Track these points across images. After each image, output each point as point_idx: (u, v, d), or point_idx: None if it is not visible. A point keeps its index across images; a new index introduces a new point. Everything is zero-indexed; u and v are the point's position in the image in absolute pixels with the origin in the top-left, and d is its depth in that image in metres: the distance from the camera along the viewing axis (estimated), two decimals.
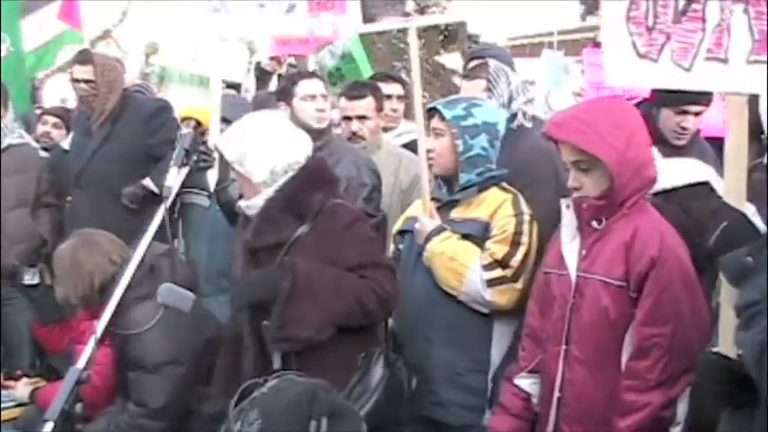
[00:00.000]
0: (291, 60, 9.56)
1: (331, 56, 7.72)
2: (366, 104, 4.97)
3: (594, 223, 2.94)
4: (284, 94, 4.55)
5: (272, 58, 8.62)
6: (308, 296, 3.17)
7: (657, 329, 2.78)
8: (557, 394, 2.96)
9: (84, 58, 5.48)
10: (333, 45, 7.69)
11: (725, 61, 2.32)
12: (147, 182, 5.09)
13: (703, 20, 2.35)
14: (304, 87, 4.53)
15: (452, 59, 15.70)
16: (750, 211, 2.41)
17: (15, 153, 5.60)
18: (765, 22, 2.24)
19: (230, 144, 3.42)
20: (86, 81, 5.31)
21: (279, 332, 3.17)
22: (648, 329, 2.79)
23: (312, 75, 4.95)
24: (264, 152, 3.35)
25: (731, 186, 2.43)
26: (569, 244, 3.00)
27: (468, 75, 4.44)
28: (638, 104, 4.16)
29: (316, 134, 4.48)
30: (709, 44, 2.34)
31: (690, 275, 2.80)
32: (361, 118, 4.95)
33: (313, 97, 4.51)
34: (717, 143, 5.21)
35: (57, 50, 8.18)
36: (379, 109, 5.04)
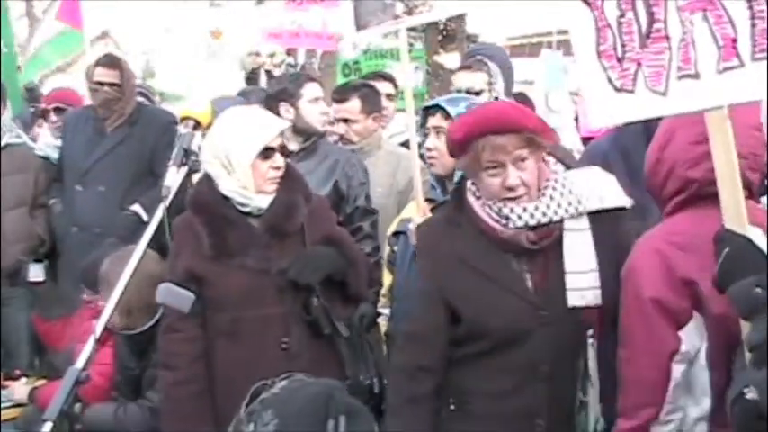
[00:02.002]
0: (290, 60, 9.55)
1: (353, 47, 7.71)
2: (349, 108, 4.99)
3: None
4: (289, 95, 4.54)
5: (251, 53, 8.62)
6: (357, 264, 3.51)
7: (619, 351, 2.62)
8: None
9: (110, 61, 5.56)
10: (357, 37, 7.68)
11: (696, 76, 2.11)
12: (137, 207, 5.17)
13: (667, 38, 2.16)
14: (311, 90, 4.56)
15: (452, 59, 15.68)
16: (755, 234, 2.17)
17: (14, 153, 5.62)
18: (728, 25, 2.05)
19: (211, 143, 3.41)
20: (111, 84, 5.39)
21: (358, 295, 3.53)
22: (618, 349, 2.64)
23: (314, 79, 4.96)
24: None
25: (730, 211, 2.17)
26: None
27: (471, 66, 4.54)
28: None
29: (313, 136, 4.53)
30: (678, 61, 2.14)
31: (645, 306, 2.51)
32: (346, 121, 4.98)
33: (317, 100, 4.58)
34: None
35: (59, 50, 8.20)
36: (372, 111, 5.05)
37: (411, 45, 7.97)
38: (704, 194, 2.49)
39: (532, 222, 2.88)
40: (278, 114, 4.46)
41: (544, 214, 2.88)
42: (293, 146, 4.49)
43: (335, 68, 8.08)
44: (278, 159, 3.39)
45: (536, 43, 12.27)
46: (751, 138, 2.44)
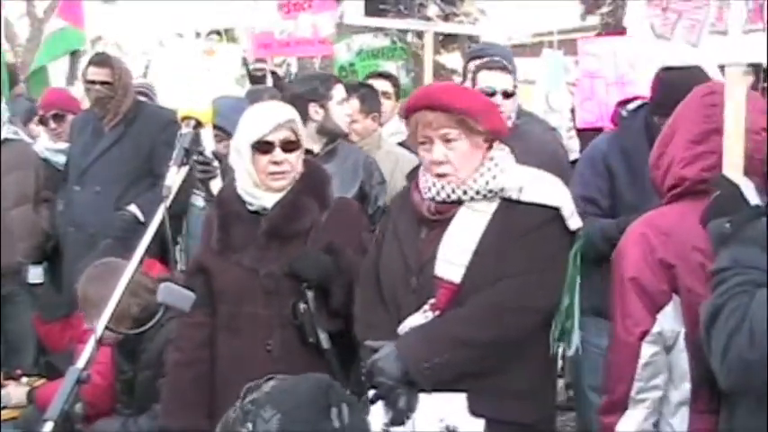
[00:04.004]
0: (290, 60, 9.52)
1: (347, 49, 7.70)
2: (348, 107, 4.96)
3: None
4: (320, 96, 4.46)
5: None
6: (347, 275, 3.31)
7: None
8: None
9: (101, 60, 5.58)
10: (350, 39, 7.67)
11: (724, 33, 2.41)
12: (133, 208, 5.14)
13: None
14: (339, 92, 4.53)
15: (452, 59, 15.71)
16: (745, 185, 2.40)
17: (12, 149, 5.62)
18: None
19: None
20: (103, 83, 5.39)
21: (343, 309, 3.29)
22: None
23: (340, 80, 4.93)
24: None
25: (731, 159, 2.44)
26: None
27: (505, 67, 4.60)
28: (640, 107, 4.15)
29: (338, 137, 4.51)
30: (713, 18, 2.43)
31: (625, 286, 2.59)
32: None
33: (343, 101, 4.56)
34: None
35: (59, 48, 8.20)
36: (371, 111, 5.05)
37: (395, 43, 7.97)
38: (694, 191, 2.58)
39: (439, 198, 2.99)
40: (306, 115, 4.34)
41: (453, 191, 2.98)
42: (316, 147, 4.40)
43: (332, 70, 8.06)
44: (278, 154, 3.34)
45: (537, 43, 12.26)
46: (750, 141, 2.51)
